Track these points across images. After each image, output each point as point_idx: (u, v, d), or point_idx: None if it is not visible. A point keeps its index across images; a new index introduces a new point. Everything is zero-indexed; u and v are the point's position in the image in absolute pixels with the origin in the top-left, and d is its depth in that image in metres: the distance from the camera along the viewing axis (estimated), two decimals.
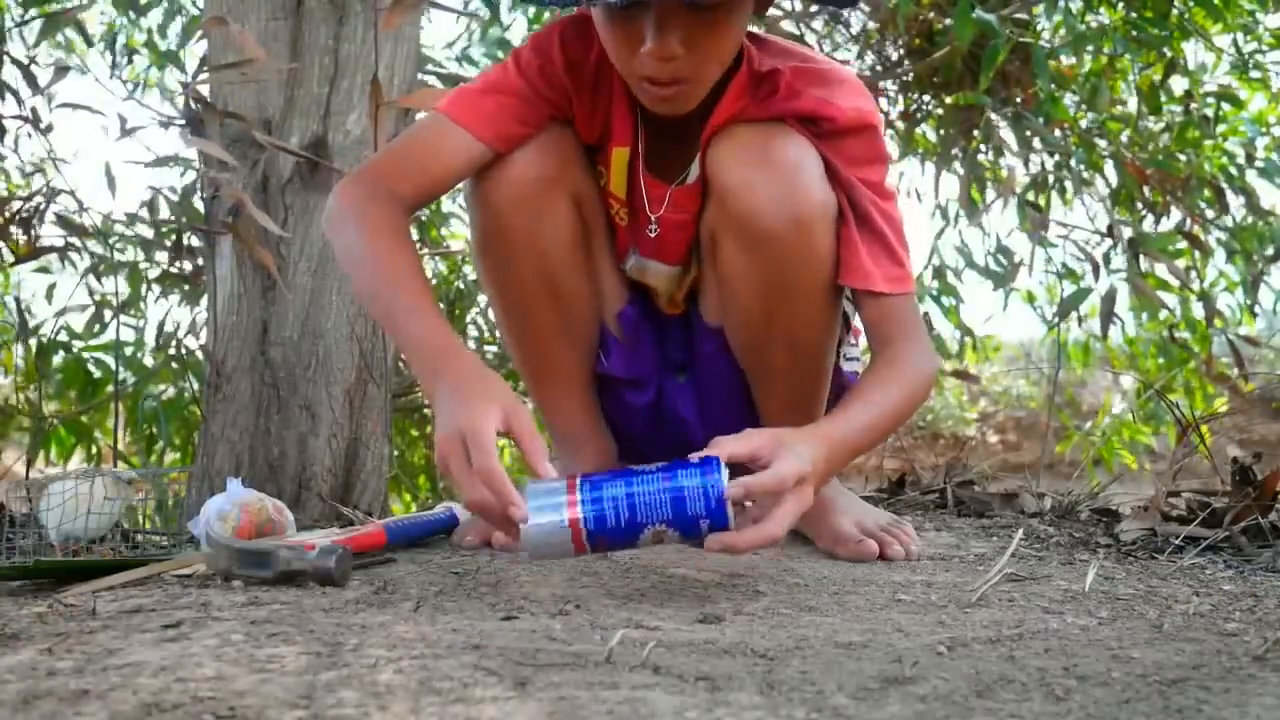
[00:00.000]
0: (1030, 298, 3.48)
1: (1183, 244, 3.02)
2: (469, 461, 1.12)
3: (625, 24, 1.27)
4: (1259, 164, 3.05)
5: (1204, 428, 1.82)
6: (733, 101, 1.38)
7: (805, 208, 1.35)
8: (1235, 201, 3.06)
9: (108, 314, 2.67)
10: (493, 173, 1.42)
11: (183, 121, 2.03)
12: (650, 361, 1.60)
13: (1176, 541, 1.49)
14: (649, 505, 1.14)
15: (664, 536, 1.15)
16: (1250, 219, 3.13)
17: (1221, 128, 3.05)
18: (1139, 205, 3.09)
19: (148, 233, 2.42)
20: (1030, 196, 3.08)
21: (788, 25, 2.97)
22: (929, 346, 1.45)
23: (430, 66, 2.72)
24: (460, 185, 1.48)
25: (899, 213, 1.42)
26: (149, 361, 2.79)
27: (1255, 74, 3.07)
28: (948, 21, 2.69)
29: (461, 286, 3.36)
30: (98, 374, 2.70)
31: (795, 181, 1.34)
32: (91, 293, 2.63)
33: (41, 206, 2.17)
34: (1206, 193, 3.00)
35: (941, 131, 3.09)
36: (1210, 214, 3.07)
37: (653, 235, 1.48)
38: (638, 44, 1.26)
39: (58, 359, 2.69)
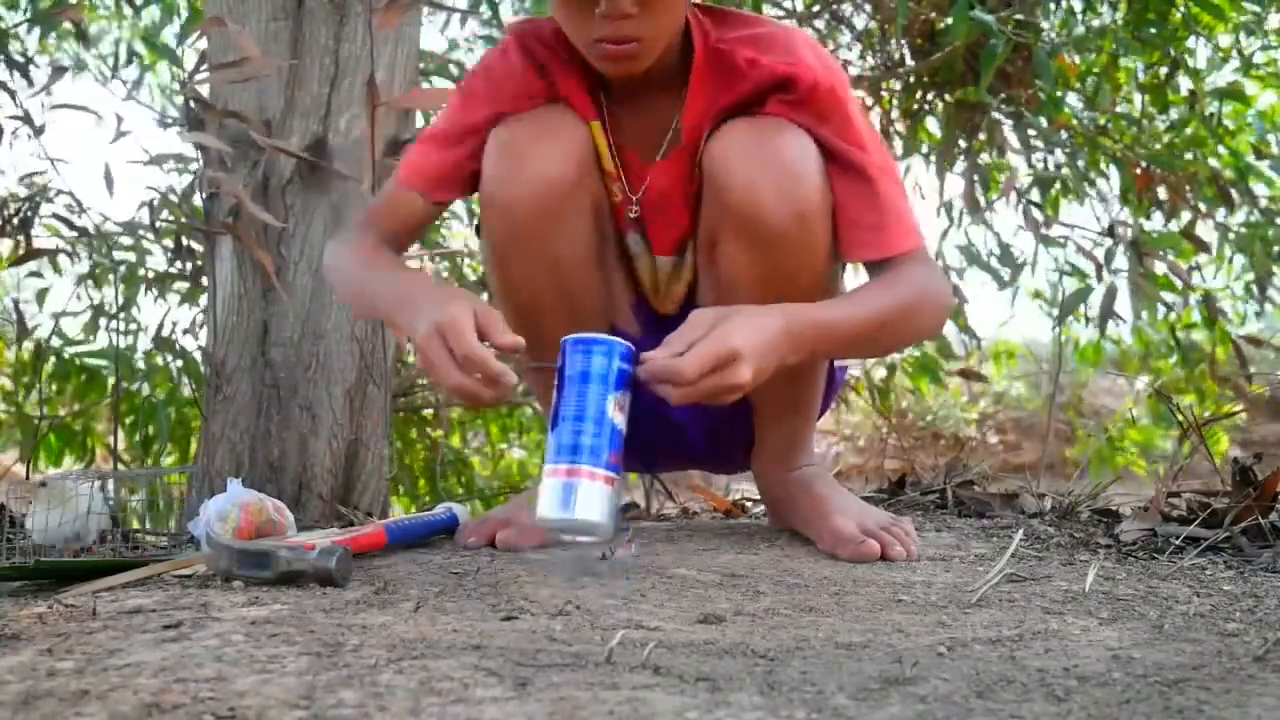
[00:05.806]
0: (1038, 294, 3.47)
1: (1185, 245, 3.01)
2: (450, 353, 1.19)
3: None
4: (1266, 163, 3.04)
5: (1218, 429, 1.82)
6: (700, 83, 1.41)
7: (808, 203, 1.37)
8: (1241, 199, 3.05)
9: (103, 319, 2.67)
10: (510, 178, 1.41)
11: (182, 121, 2.03)
12: None
13: (1177, 542, 1.49)
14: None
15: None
16: (1255, 215, 3.11)
17: (1229, 125, 3.04)
18: (1145, 204, 3.07)
19: (147, 235, 2.41)
20: (1034, 196, 3.07)
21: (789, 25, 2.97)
22: (938, 272, 1.47)
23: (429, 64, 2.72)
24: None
25: (890, 162, 1.45)
26: (143, 365, 2.79)
27: (1266, 70, 3.06)
28: (949, 21, 2.68)
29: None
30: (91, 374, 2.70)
31: (797, 177, 1.37)
32: (90, 298, 2.63)
33: (36, 206, 2.17)
34: (1211, 191, 2.99)
35: (944, 130, 3.08)
36: (1218, 213, 3.06)
37: (633, 216, 1.50)
38: (591, 7, 1.31)
39: (53, 363, 2.69)
